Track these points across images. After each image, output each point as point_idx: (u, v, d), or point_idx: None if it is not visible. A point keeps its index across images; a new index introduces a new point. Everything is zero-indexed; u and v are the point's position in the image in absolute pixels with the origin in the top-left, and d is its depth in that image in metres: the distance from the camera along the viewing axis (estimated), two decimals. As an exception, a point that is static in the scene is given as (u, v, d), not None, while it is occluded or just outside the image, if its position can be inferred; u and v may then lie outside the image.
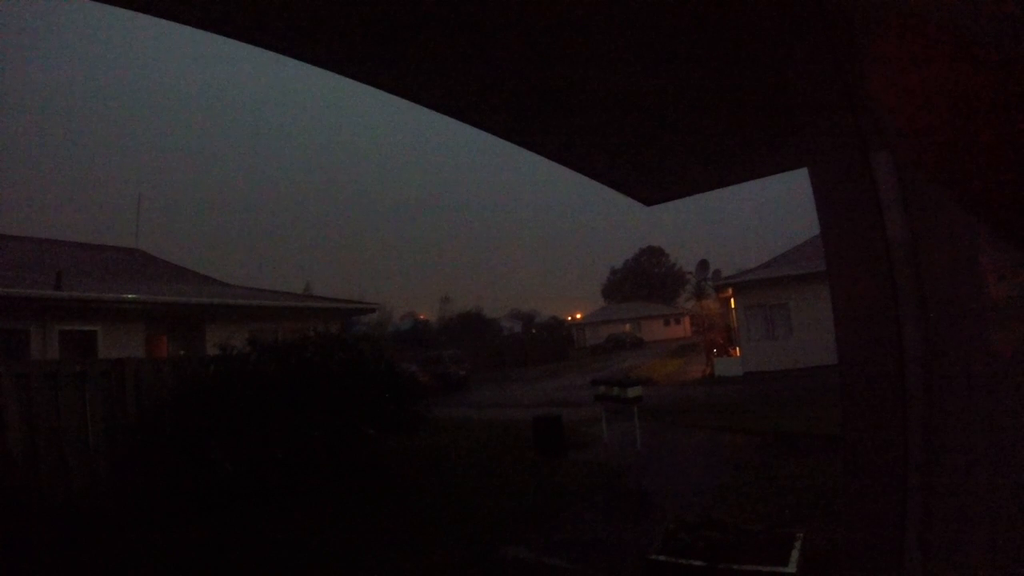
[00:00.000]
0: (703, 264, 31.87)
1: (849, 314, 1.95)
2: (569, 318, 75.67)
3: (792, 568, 3.94)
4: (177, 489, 7.17)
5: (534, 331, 60.60)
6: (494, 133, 3.32)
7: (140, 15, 1.98)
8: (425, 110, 2.90)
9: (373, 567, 5.96)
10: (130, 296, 16.65)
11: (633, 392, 12.00)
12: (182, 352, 17.39)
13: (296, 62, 2.39)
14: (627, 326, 69.79)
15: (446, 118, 2.98)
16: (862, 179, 1.76)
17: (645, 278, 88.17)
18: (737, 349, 26.40)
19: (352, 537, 6.72)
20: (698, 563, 4.15)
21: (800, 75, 2.08)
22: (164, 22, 2.14)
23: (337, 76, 2.51)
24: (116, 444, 7.87)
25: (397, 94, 2.58)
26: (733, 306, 27.19)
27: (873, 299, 1.82)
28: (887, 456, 1.81)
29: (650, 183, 4.36)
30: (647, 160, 3.86)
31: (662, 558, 4.36)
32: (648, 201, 4.70)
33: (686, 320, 70.12)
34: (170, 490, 7.16)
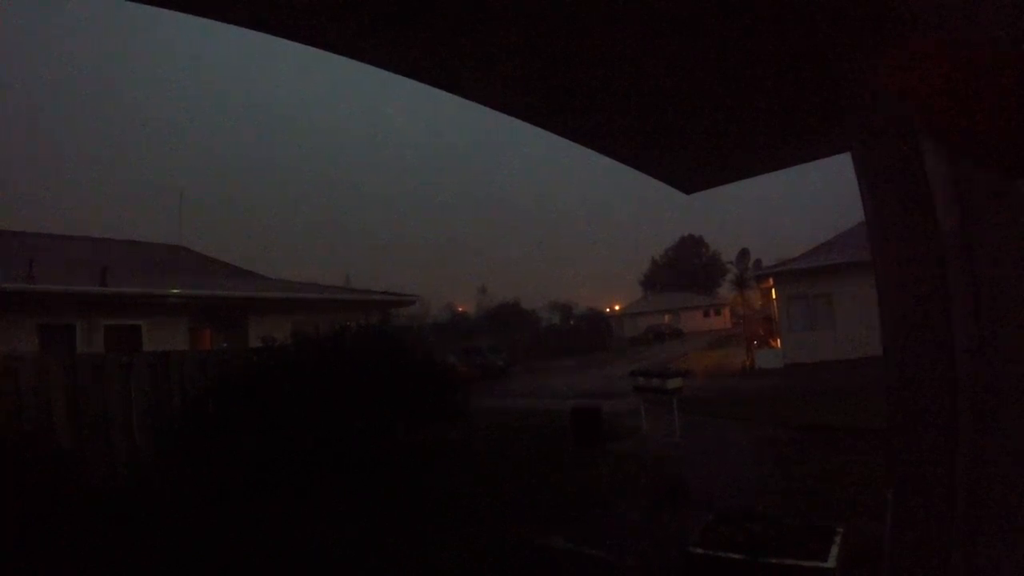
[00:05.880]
0: (744, 254, 31.56)
1: (896, 306, 1.89)
2: (608, 309, 75.36)
3: (832, 563, 3.86)
4: (219, 477, 7.28)
5: (572, 322, 60.38)
6: (531, 122, 3.29)
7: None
8: (461, 101, 2.89)
9: (411, 555, 6.00)
10: (174, 291, 16.98)
11: (672, 383, 11.90)
12: (225, 345, 17.69)
13: (342, 59, 2.40)
14: (666, 317, 69.35)
15: (485, 111, 2.96)
16: (911, 165, 1.70)
17: (685, 268, 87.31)
18: (778, 340, 26.04)
19: (390, 525, 6.77)
20: (737, 556, 4.10)
21: (844, 55, 2.01)
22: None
23: (375, 69, 2.51)
24: (160, 433, 8.03)
25: (428, 82, 2.57)
26: (774, 296, 26.82)
27: (922, 291, 1.75)
28: (933, 453, 1.75)
29: (689, 170, 4.30)
30: (686, 147, 3.80)
31: (701, 551, 4.31)
32: (687, 189, 4.63)
33: (726, 311, 69.40)
34: (212, 478, 7.27)
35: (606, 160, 3.96)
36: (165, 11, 2.08)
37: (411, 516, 7.13)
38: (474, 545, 6.16)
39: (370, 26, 2.12)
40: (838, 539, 4.13)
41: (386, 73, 2.54)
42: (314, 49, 2.35)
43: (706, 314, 72.83)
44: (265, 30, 2.10)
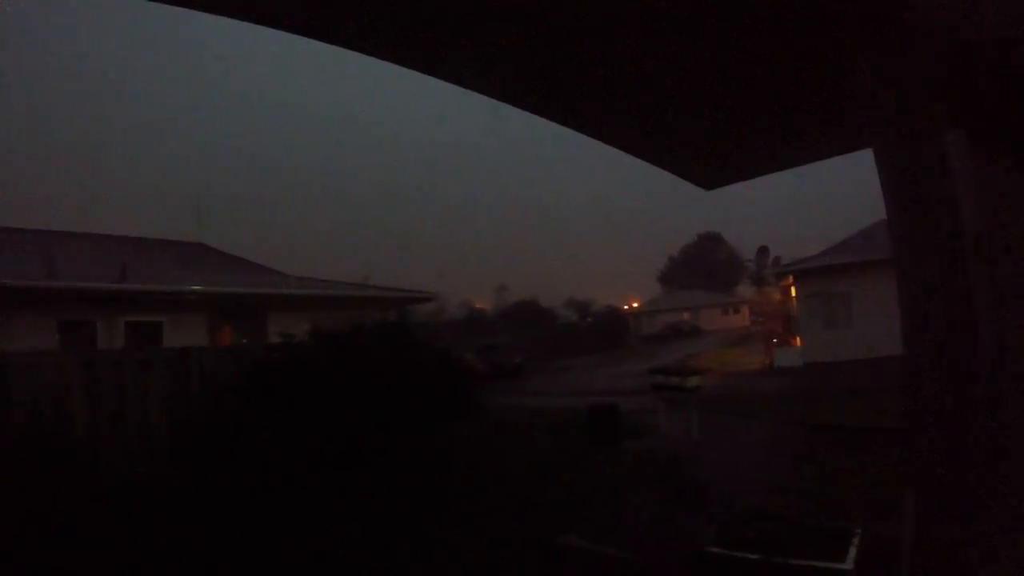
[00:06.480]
0: (763, 251, 31.35)
1: (916, 305, 1.86)
2: (625, 306, 75.13)
3: (849, 565, 3.83)
4: (235, 473, 7.31)
5: (590, 319, 60.22)
6: (548, 118, 3.28)
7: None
8: (481, 100, 2.88)
9: (424, 552, 6.01)
10: (193, 288, 17.13)
11: (691, 382, 11.81)
12: (244, 341, 17.81)
13: (364, 58, 2.39)
14: (684, 314, 69.07)
15: (507, 109, 2.95)
16: (933, 160, 1.67)
17: (703, 265, 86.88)
18: (798, 339, 25.86)
19: (404, 522, 6.78)
20: (753, 556, 4.07)
21: (864, 47, 1.98)
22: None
23: (399, 68, 2.50)
24: (178, 430, 8.08)
25: (441, 77, 2.56)
26: (793, 294, 26.65)
27: (943, 289, 1.72)
28: (951, 453, 1.73)
29: (709, 165, 4.27)
30: (706, 141, 3.77)
31: (716, 550, 4.29)
32: (707, 184, 4.60)
33: (745, 309, 69.02)
34: (229, 474, 7.31)
35: (626, 157, 3.95)
36: (182, 10, 2.09)
37: (425, 513, 7.14)
38: (489, 543, 6.16)
39: (370, 24, 2.12)
40: (855, 540, 4.09)
41: (408, 72, 2.54)
42: (336, 48, 2.35)
43: (725, 312, 72.47)
44: (271, 25, 2.10)
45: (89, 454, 7.30)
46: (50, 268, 14.87)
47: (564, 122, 3.38)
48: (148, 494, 7.14)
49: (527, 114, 3.15)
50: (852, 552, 3.95)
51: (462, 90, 2.70)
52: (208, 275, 20.22)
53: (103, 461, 7.47)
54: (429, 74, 2.50)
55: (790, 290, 27.88)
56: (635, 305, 77.10)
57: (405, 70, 2.52)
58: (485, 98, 2.87)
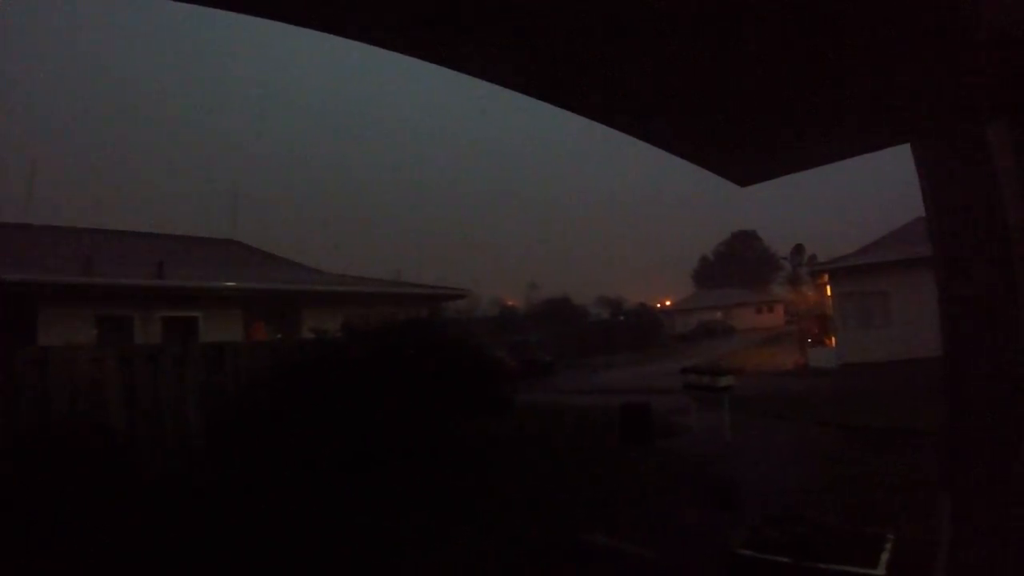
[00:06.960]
0: (798, 249, 30.89)
1: (958, 304, 1.81)
2: (658, 304, 74.72)
3: (881, 571, 3.77)
4: (269, 468, 7.37)
5: (622, 317, 59.90)
6: (578, 113, 3.24)
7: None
8: (511, 97, 2.85)
9: (454, 548, 6.02)
10: (229, 284, 17.39)
11: (723, 381, 11.75)
12: (279, 336, 18.01)
13: (394, 55, 2.37)
14: (717, 313, 68.54)
15: (530, 106, 2.92)
16: (975, 154, 1.61)
17: (737, 263, 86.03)
18: (833, 339, 25.49)
19: (434, 518, 6.79)
20: (783, 560, 4.01)
21: (901, 42, 1.92)
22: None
23: (430, 65, 2.48)
24: (213, 424, 8.16)
25: (473, 74, 2.53)
26: (829, 293, 26.25)
27: (986, 288, 1.67)
28: (994, 457, 1.67)
29: (742, 161, 4.20)
30: (740, 137, 3.70)
31: (747, 553, 4.24)
32: (741, 181, 4.53)
33: (779, 308, 68.27)
34: (263, 468, 7.37)
35: (660, 153, 3.89)
36: (206, 10, 2.08)
37: (454, 508, 7.15)
38: (516, 539, 6.15)
39: (382, 16, 2.09)
40: (888, 546, 4.02)
41: (439, 69, 2.51)
42: (365, 45, 2.33)
43: (758, 311, 71.73)
44: (277, 18, 2.09)
45: (124, 448, 7.40)
46: (88, 265, 15.18)
47: (595, 117, 3.34)
48: (184, 487, 7.23)
49: (559, 111, 3.11)
50: (884, 558, 3.88)
51: (494, 87, 2.67)
52: (242, 271, 20.47)
53: (138, 456, 7.57)
54: (456, 69, 2.48)
55: (825, 289, 27.46)
56: (668, 303, 76.69)
57: (436, 67, 2.50)
58: (516, 94, 2.84)
